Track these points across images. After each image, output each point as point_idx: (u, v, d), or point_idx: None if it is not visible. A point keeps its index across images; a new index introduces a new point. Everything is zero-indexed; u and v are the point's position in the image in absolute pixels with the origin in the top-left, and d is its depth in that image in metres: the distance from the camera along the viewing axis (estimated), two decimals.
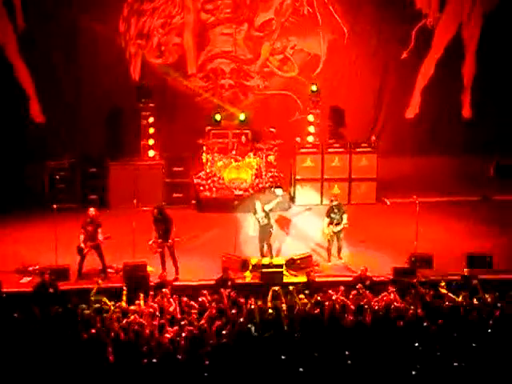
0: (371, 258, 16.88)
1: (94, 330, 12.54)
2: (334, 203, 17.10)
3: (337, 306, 13.52)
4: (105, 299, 14.07)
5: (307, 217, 19.64)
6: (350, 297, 14.14)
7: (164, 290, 14.28)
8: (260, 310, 13.45)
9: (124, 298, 14.23)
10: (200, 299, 13.99)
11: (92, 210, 16.26)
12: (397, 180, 21.52)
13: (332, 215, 16.92)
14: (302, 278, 15.68)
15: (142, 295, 14.16)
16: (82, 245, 15.95)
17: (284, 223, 19.09)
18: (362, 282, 14.77)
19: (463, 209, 20.15)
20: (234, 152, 20.89)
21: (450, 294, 14.27)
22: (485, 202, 20.74)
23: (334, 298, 13.87)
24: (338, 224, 16.86)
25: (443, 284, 14.67)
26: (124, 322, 13.04)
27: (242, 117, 21.33)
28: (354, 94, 22.90)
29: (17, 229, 18.87)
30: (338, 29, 22.79)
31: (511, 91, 22.93)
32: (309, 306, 13.64)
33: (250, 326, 12.84)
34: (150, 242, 16.07)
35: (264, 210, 16.75)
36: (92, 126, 22.14)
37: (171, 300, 13.91)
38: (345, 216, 16.90)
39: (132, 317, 13.16)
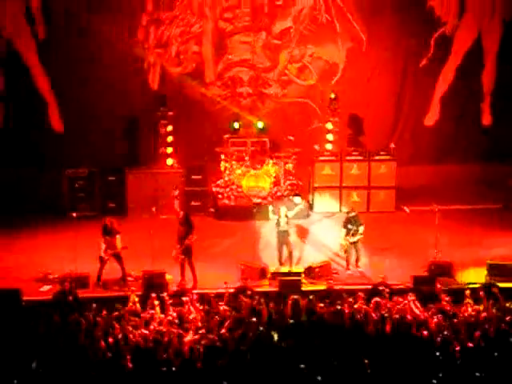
0: (390, 266, 16.80)
1: (111, 339, 12.54)
2: (351, 214, 17.07)
3: (358, 314, 13.46)
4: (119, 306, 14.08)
5: (326, 225, 19.59)
6: (370, 305, 14.06)
7: (185, 298, 14.27)
8: (279, 319, 13.42)
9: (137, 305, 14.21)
10: (221, 308, 13.97)
11: (109, 220, 16.31)
12: (416, 188, 21.43)
13: (349, 226, 16.89)
14: (321, 287, 15.63)
15: (157, 302, 14.14)
16: (103, 253, 16.01)
17: (302, 233, 19.04)
18: (381, 291, 14.70)
19: (483, 217, 20.03)
20: (247, 158, 20.82)
21: (471, 302, 14.17)
22: (505, 210, 20.61)
23: (355, 306, 13.81)
24: (354, 235, 16.82)
25: (468, 292, 14.52)
26: (143, 329, 13.06)
27: (260, 125, 21.37)
28: (372, 101, 22.84)
29: (36, 237, 18.95)
30: (357, 36, 22.74)
31: None
32: (328, 315, 13.58)
33: (272, 333, 12.80)
34: (174, 253, 16.13)
35: (286, 216, 16.78)
36: (111, 135, 22.22)
37: (191, 308, 13.90)
38: (361, 227, 16.85)
39: (152, 325, 13.18)
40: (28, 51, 21.79)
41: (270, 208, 17.14)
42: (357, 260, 16.97)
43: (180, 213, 16.45)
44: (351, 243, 16.83)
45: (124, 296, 14.89)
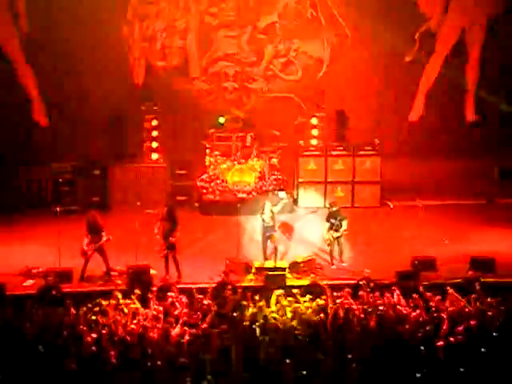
0: (375, 261, 16.85)
1: (95, 335, 12.51)
2: (333, 209, 17.10)
3: (340, 310, 13.49)
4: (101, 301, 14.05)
5: (311, 220, 19.63)
6: (355, 300, 14.10)
7: (170, 293, 14.26)
8: (263, 313, 13.44)
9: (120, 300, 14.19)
10: (205, 302, 13.97)
11: (93, 215, 16.28)
12: (400, 183, 21.51)
13: (331, 220, 16.93)
14: (306, 281, 15.66)
15: (134, 297, 14.11)
16: (86, 248, 15.97)
17: (287, 229, 19.08)
18: (365, 286, 14.75)
19: (467, 212, 20.14)
20: (238, 153, 20.92)
21: (457, 296, 14.21)
22: (489, 205, 20.72)
23: (338, 301, 13.84)
24: (337, 230, 16.85)
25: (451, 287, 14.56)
26: (128, 324, 13.05)
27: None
28: (357, 96, 22.88)
29: (20, 231, 18.89)
30: (342, 32, 22.77)
31: None
32: (311, 310, 13.61)
33: (254, 327, 12.81)
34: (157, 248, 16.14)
35: (271, 211, 16.80)
36: (95, 129, 22.13)
37: (176, 303, 13.89)
38: (344, 222, 16.88)
39: (136, 320, 13.17)
40: (11, 45, 21.66)
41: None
42: (340, 254, 17.02)
43: (163, 208, 16.42)
44: (334, 238, 16.87)
45: (108, 291, 14.85)
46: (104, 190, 20.81)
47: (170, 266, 16.16)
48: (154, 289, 14.55)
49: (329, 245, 16.98)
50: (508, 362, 11.93)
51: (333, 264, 16.96)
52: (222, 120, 21.44)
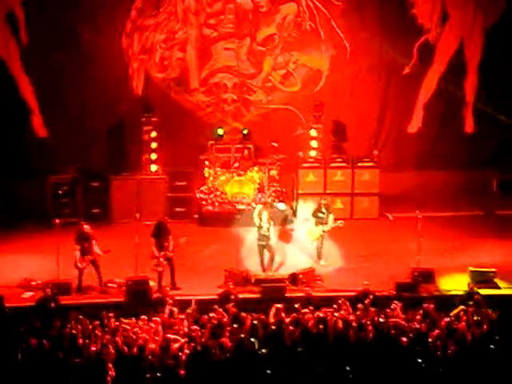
0: (374, 273, 16.85)
1: (94, 347, 12.50)
2: (323, 201, 17.20)
3: (339, 322, 13.46)
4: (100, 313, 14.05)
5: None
6: (354, 313, 14.08)
7: (169, 306, 14.26)
8: (262, 326, 13.41)
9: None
10: (210, 314, 13.94)
11: (87, 227, 16.31)
12: (399, 195, 21.52)
13: (319, 214, 17.10)
14: (305, 293, 15.63)
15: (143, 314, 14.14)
16: (79, 262, 15.98)
17: (287, 236, 19.09)
18: (364, 297, 14.75)
19: (466, 223, 20.15)
20: (236, 164, 20.97)
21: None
22: (488, 217, 20.73)
23: (336, 314, 13.82)
24: (325, 224, 16.98)
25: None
26: (126, 336, 13.03)
27: (244, 131, 21.47)
28: (356, 108, 22.90)
29: (19, 243, 18.88)
30: (340, 44, 22.79)
31: None
32: (312, 321, 13.59)
33: (253, 340, 12.79)
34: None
35: (269, 221, 16.84)
36: (95, 141, 22.13)
37: (174, 315, 13.88)
38: (331, 216, 16.98)
39: (134, 331, 13.16)
40: (10, 57, 21.68)
41: (256, 212, 17.19)
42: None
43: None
44: (323, 232, 16.97)
45: (107, 302, 14.86)
46: (104, 202, 20.78)
47: (165, 275, 16.15)
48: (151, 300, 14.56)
49: (317, 239, 17.08)
50: (506, 374, 11.93)
51: (321, 258, 17.07)
52: (221, 132, 21.49)
